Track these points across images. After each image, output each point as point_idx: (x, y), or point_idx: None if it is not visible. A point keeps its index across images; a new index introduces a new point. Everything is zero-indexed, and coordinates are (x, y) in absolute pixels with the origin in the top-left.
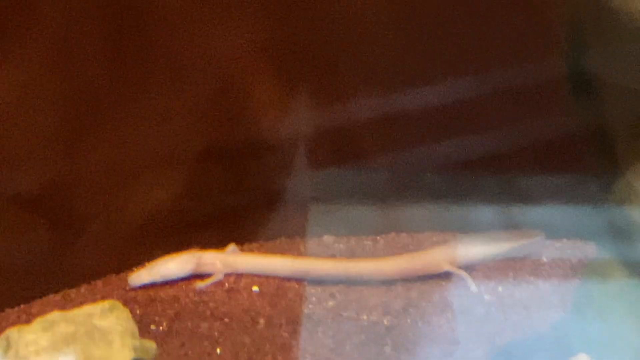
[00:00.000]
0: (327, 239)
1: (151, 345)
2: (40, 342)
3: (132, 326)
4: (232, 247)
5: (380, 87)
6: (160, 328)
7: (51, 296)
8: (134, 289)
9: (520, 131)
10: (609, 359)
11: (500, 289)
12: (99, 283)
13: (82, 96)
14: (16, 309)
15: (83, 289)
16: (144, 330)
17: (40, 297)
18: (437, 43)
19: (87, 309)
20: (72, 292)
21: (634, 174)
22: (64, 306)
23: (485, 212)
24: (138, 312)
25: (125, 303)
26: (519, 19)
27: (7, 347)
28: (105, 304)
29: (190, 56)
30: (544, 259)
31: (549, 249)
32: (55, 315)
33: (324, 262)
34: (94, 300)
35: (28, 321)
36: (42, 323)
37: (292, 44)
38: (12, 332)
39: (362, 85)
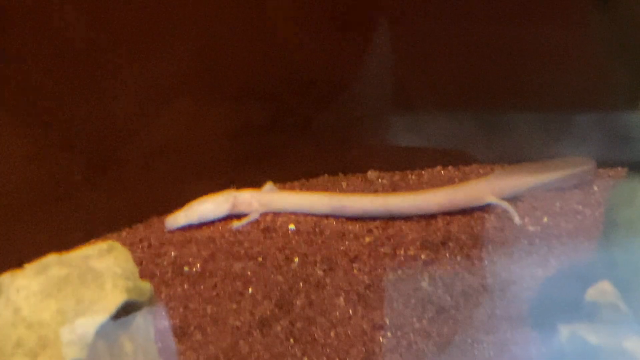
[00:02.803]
0: (371, 174)
1: (146, 286)
2: (31, 287)
3: (131, 267)
4: (269, 185)
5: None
6: (194, 270)
7: (94, 240)
8: (172, 232)
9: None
10: (631, 285)
11: (545, 219)
12: (141, 226)
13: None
14: None
15: (125, 232)
16: (176, 272)
17: (83, 242)
18: None
19: (85, 250)
20: (115, 236)
21: None
22: None
23: (535, 143)
24: (173, 254)
25: (161, 245)
26: None
27: None
28: (104, 245)
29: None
30: (595, 188)
31: (602, 178)
32: (50, 258)
33: (363, 198)
34: (134, 243)
35: None
36: (36, 267)
37: None
38: (5, 278)
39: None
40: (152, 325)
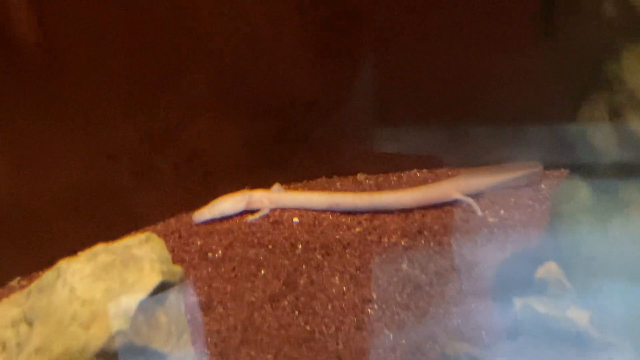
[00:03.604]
0: (360, 176)
1: (178, 269)
2: (84, 271)
3: (165, 254)
4: (277, 186)
5: (398, 57)
6: (216, 255)
7: (133, 232)
8: (198, 225)
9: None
10: (572, 265)
11: (502, 212)
12: (172, 220)
13: (146, 68)
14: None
15: (159, 225)
16: (202, 258)
17: (125, 234)
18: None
19: (127, 241)
20: (150, 229)
21: (590, 112)
22: None
23: (494, 149)
24: (199, 243)
25: (189, 236)
26: None
27: (58, 276)
28: (143, 236)
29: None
30: (543, 186)
31: (548, 178)
32: (99, 247)
33: (354, 196)
34: (167, 234)
35: None
36: (87, 255)
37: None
38: (62, 263)
39: (383, 60)
40: (183, 301)
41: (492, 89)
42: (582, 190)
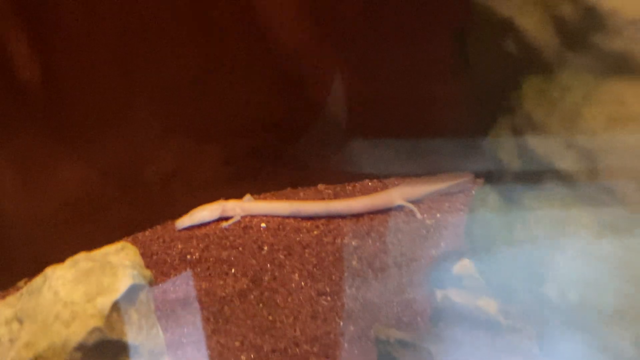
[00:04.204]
0: (320, 187)
1: (147, 273)
2: (66, 276)
3: (138, 260)
4: (248, 196)
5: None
6: (194, 257)
7: (125, 238)
8: (180, 231)
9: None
10: (483, 262)
11: (438, 215)
12: (159, 227)
13: (135, 96)
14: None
15: (148, 232)
16: (182, 259)
17: (119, 239)
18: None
19: (105, 249)
20: (140, 235)
21: (498, 131)
22: (134, 244)
23: (432, 163)
24: (179, 246)
25: (172, 240)
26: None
27: (44, 280)
28: (119, 245)
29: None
30: (473, 193)
31: (477, 186)
32: (81, 255)
33: (312, 204)
34: (153, 239)
35: None
36: (70, 262)
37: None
38: (49, 270)
39: (339, 87)
40: (152, 300)
41: (431, 111)
42: (491, 197)
